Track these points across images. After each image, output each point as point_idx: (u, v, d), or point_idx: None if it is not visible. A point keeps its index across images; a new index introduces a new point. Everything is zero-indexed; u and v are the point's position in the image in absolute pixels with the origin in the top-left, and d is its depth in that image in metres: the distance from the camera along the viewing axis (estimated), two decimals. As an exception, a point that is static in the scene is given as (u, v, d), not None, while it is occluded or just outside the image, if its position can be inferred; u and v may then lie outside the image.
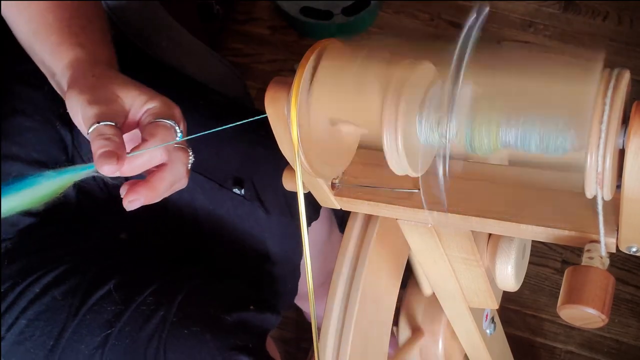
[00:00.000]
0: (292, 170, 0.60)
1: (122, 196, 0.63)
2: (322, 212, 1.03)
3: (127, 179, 0.64)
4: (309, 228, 0.96)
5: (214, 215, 0.89)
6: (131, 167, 0.62)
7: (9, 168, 0.81)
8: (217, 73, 1.18)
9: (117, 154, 0.59)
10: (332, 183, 0.60)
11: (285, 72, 1.70)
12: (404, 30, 1.71)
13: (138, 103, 0.65)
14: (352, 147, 0.57)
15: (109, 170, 0.59)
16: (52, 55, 0.71)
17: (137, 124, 0.66)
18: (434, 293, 0.85)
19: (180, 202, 0.88)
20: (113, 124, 0.61)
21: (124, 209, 0.87)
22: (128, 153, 0.61)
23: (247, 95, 1.25)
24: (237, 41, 1.78)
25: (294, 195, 0.63)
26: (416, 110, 0.50)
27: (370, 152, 0.58)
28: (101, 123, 0.61)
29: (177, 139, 0.64)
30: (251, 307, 0.83)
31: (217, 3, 1.70)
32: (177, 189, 0.67)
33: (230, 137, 0.89)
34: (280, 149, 0.55)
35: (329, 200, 0.60)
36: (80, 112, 0.64)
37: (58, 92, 0.71)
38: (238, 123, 0.59)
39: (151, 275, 0.82)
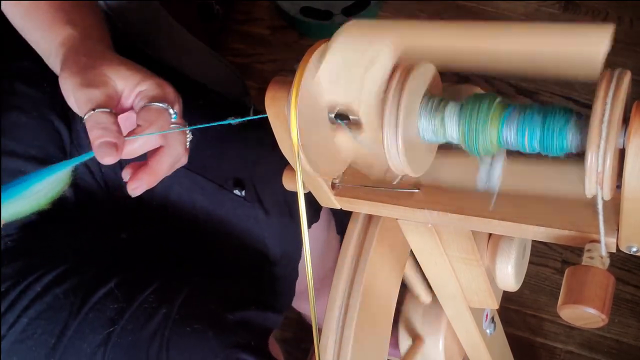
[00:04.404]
0: (292, 170, 0.60)
1: (125, 180, 0.63)
2: (321, 214, 1.03)
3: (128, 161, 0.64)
4: (308, 230, 0.96)
5: (213, 216, 0.89)
6: (127, 152, 0.62)
7: (7, 164, 0.81)
8: (217, 73, 1.18)
9: (116, 144, 0.60)
10: (332, 183, 0.60)
11: (285, 72, 1.70)
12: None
13: (130, 85, 0.65)
14: (352, 148, 0.57)
15: (109, 160, 0.59)
16: (45, 35, 0.71)
17: (130, 107, 0.66)
18: (430, 301, 0.85)
19: (181, 203, 0.88)
20: (108, 110, 0.61)
21: (123, 209, 0.87)
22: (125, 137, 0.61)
23: (247, 95, 1.25)
24: (237, 41, 1.78)
25: (293, 196, 0.62)
26: (417, 110, 0.50)
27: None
28: (97, 110, 0.61)
29: (172, 119, 0.65)
30: (253, 306, 0.83)
31: (217, 3, 1.70)
32: (177, 167, 0.67)
33: (230, 139, 0.89)
34: (281, 148, 0.55)
35: (330, 200, 0.60)
36: (72, 96, 0.64)
37: (55, 73, 0.71)
38: (239, 120, 0.60)
39: (153, 274, 0.82)
